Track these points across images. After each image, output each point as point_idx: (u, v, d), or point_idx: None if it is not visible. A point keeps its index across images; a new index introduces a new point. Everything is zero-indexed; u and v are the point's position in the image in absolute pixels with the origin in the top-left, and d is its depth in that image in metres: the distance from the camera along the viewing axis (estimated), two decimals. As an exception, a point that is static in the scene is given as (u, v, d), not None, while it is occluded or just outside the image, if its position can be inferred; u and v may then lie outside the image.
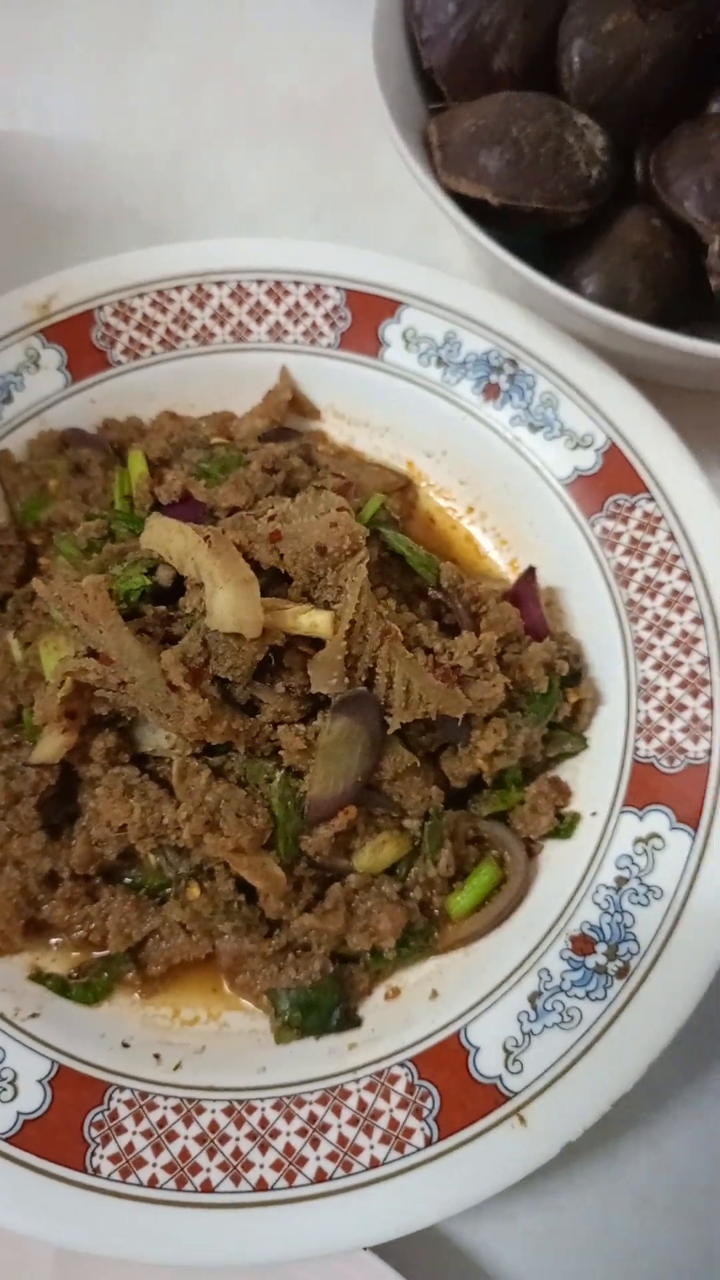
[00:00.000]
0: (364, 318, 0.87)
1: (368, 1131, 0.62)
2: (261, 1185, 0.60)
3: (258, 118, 1.14)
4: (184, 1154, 0.61)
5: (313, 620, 0.63)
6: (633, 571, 0.77)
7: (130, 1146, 0.61)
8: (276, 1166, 0.61)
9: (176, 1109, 0.63)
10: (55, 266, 0.90)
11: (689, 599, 0.75)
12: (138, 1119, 0.62)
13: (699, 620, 0.74)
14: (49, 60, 1.16)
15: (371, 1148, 0.61)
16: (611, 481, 0.80)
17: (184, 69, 1.17)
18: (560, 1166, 0.69)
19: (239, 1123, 0.62)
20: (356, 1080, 0.64)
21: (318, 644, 0.64)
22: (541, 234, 0.86)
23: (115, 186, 1.09)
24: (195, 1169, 0.60)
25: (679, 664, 0.74)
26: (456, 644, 0.67)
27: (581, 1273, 0.69)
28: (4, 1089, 0.62)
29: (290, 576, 0.65)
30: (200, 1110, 0.63)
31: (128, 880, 0.71)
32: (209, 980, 0.71)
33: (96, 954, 0.70)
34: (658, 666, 0.74)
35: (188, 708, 0.62)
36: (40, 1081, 0.63)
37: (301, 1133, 0.62)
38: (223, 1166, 0.61)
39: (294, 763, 0.66)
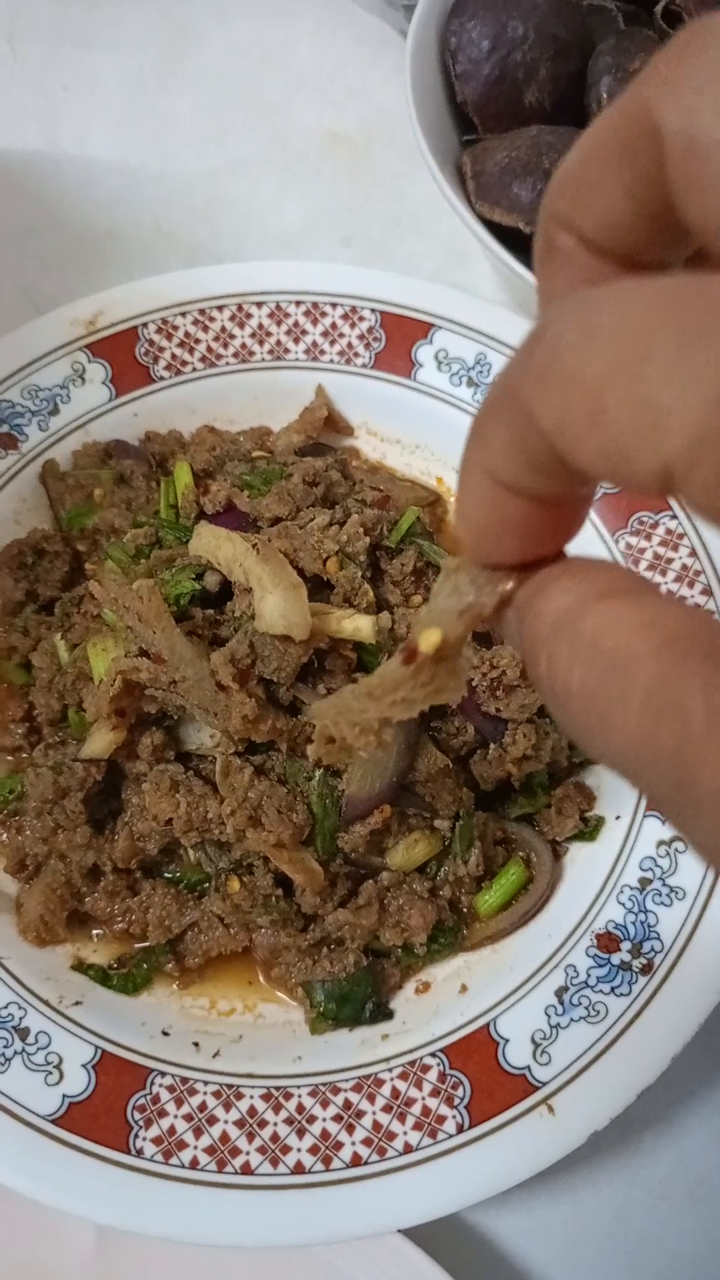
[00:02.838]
0: (398, 339, 0.90)
1: (401, 1118, 0.64)
2: (299, 1168, 0.62)
3: (289, 149, 1.19)
4: (224, 1137, 0.63)
5: (356, 625, 0.65)
6: (656, 586, 0.80)
7: (172, 1129, 0.63)
8: (313, 1151, 0.63)
9: (216, 1094, 0.65)
10: (94, 284, 0.93)
11: (710, 614, 0.77)
12: (179, 1103, 0.64)
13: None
14: (90, 87, 1.20)
15: (405, 1134, 0.63)
16: (635, 499, 0.83)
17: (217, 101, 1.21)
18: (581, 1161, 0.71)
19: (277, 1108, 0.65)
20: (389, 1069, 0.66)
21: (359, 648, 0.67)
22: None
23: (151, 209, 1.12)
24: (235, 1152, 0.63)
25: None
26: (499, 654, 0.70)
27: (597, 1262, 0.71)
28: (50, 1072, 0.64)
29: (332, 584, 0.68)
30: (239, 1096, 0.65)
31: (167, 875, 0.73)
32: (244, 973, 0.73)
33: (137, 945, 0.72)
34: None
35: (235, 706, 0.64)
36: (84, 1066, 0.65)
37: (337, 1119, 0.64)
38: (261, 1150, 0.63)
39: (332, 762, 0.68)
